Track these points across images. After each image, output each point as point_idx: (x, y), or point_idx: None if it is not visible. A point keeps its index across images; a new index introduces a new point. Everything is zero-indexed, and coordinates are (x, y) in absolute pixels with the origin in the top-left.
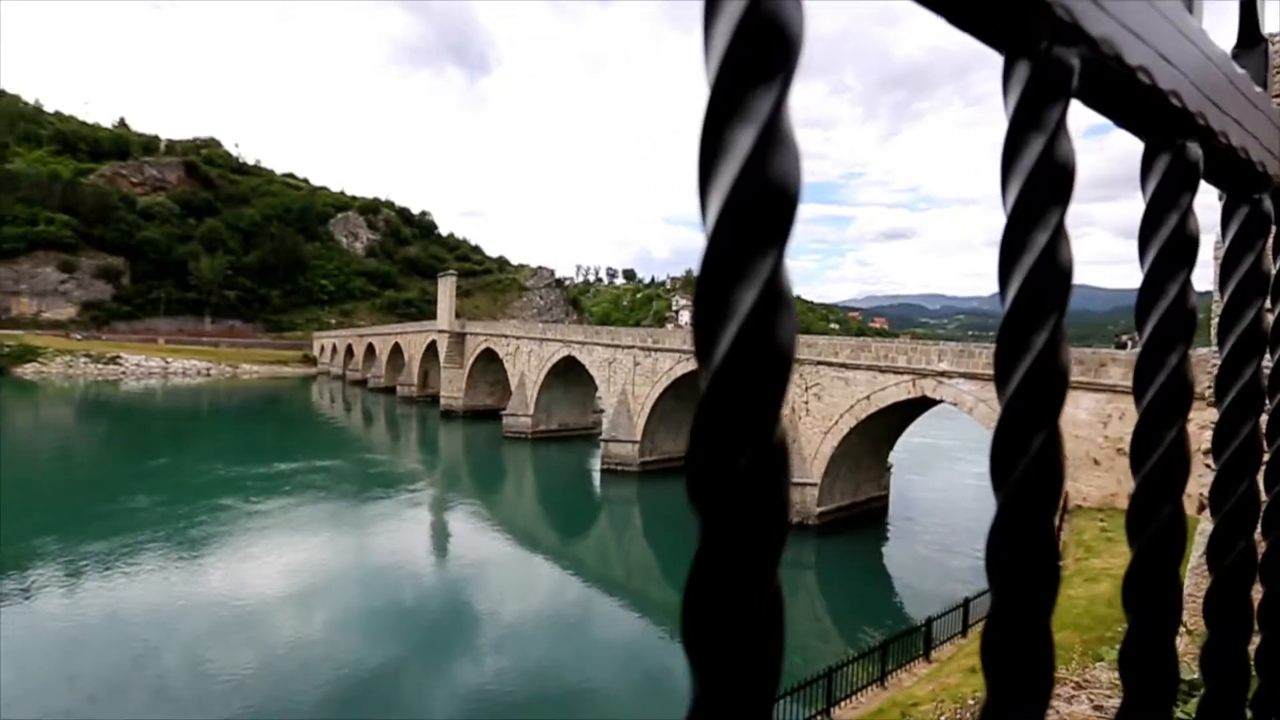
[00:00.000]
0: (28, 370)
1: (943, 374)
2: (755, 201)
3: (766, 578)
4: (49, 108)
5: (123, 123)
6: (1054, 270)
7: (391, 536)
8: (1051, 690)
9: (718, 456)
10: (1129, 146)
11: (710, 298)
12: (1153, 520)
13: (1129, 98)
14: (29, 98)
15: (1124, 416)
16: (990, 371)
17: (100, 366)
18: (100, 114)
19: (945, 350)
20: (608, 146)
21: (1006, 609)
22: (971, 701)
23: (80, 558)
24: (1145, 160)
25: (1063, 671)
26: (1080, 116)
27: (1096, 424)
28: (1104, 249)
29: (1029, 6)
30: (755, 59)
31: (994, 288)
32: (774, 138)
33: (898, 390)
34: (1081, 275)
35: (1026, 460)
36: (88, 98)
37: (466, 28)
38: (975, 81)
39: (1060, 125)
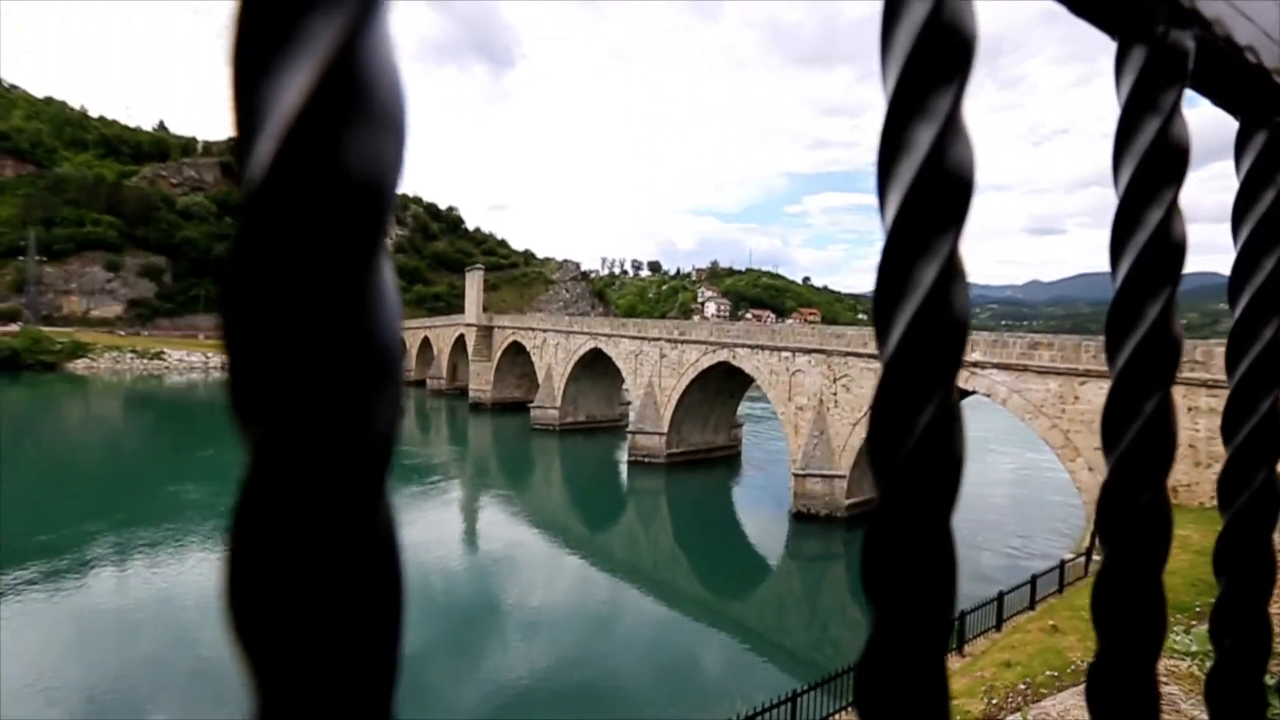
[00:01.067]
0: (79, 365)
1: (975, 365)
2: (935, 190)
3: (944, 524)
4: (94, 113)
5: (162, 126)
6: (1168, 245)
7: (425, 526)
8: (1163, 644)
9: (900, 417)
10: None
11: (893, 275)
12: (1246, 488)
13: (1232, 77)
14: (75, 104)
15: None
16: (1024, 363)
17: (146, 362)
18: (141, 117)
19: (978, 340)
20: (632, 138)
21: (1119, 565)
22: (1023, 686)
23: (135, 543)
24: (1240, 138)
25: None
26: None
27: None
28: None
29: None
30: (936, 62)
31: (1029, 276)
32: (953, 133)
33: None
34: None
35: (1140, 422)
36: (129, 102)
37: (491, 22)
38: (1006, 65)
39: (1175, 107)
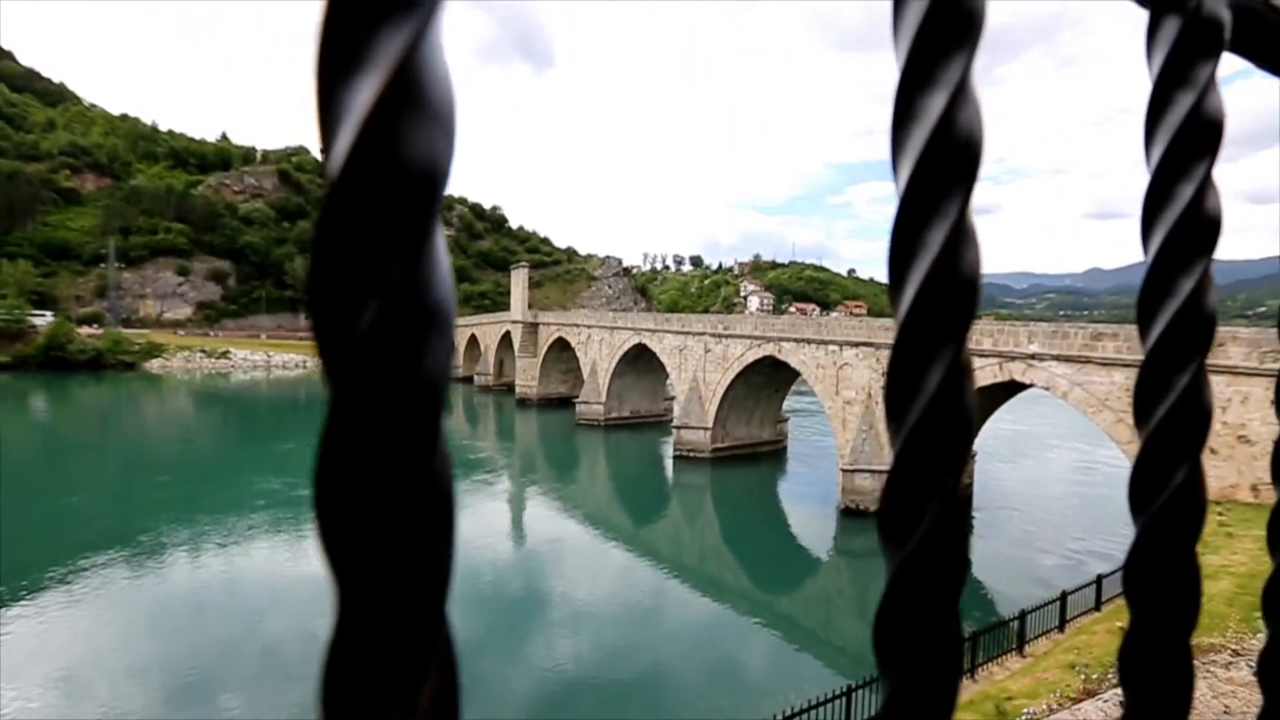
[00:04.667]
0: (154, 365)
1: (1033, 357)
2: (1195, 228)
3: (1196, 459)
4: (163, 127)
5: (224, 137)
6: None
7: (476, 519)
8: None
9: (1161, 383)
10: (1251, 100)
11: (1158, 286)
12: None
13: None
14: (146, 119)
15: (1246, 401)
16: (1086, 354)
17: (214, 360)
18: (205, 130)
19: (1035, 331)
20: (672, 132)
21: None
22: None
23: (223, 531)
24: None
25: (1219, 639)
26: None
27: (1215, 409)
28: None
29: None
30: (1196, 139)
31: (1090, 263)
32: (1208, 189)
33: (982, 374)
34: None
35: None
36: (194, 114)
37: (531, 21)
38: (1064, 42)
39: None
